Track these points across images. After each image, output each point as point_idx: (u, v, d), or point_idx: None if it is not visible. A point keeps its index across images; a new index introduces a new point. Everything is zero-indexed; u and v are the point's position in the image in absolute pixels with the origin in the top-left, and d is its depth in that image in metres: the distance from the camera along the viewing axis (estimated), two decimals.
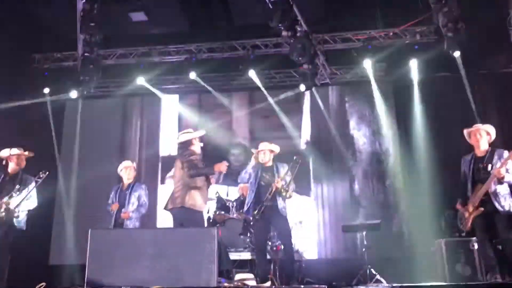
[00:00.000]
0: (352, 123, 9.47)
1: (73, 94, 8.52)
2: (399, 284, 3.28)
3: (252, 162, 6.24)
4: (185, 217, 5.30)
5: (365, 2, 8.09)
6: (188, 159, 5.56)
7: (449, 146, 8.14)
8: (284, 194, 6.01)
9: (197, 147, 5.78)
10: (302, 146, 9.50)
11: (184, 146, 5.76)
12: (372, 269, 6.91)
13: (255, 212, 5.93)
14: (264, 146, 6.28)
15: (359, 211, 8.80)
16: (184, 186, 5.44)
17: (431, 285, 3.38)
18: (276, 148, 6.27)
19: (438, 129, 8.28)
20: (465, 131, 5.49)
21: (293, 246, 6.23)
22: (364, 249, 7.12)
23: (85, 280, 3.41)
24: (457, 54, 7.19)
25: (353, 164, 9.18)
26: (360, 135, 9.36)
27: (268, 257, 6.55)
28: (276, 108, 9.41)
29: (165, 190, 9.58)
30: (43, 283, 3.14)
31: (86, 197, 9.01)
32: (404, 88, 8.81)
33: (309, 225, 8.80)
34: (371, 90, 8.92)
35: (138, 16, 7.97)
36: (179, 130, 9.99)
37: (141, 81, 9.06)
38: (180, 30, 8.60)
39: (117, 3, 7.68)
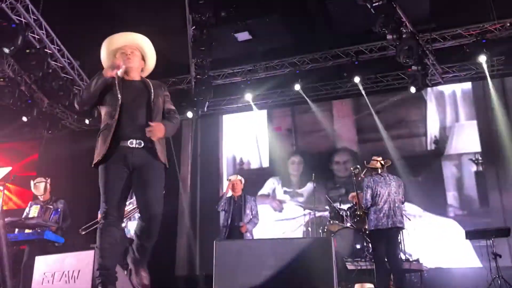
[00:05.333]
0: None
1: (189, 114, 9.15)
2: None
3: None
4: None
5: None
6: None
7: None
8: None
9: None
10: (430, 146, 8.71)
11: None
12: (504, 279, 6.40)
13: None
14: None
15: None
16: None
17: None
18: None
19: None
20: None
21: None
22: (492, 258, 6.62)
23: None
24: None
25: None
26: None
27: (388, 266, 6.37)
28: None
29: None
30: None
31: (201, 210, 9.55)
32: None
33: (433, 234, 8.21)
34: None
35: (243, 36, 8.31)
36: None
37: (248, 97, 9.43)
38: (283, 44, 8.80)
39: (222, 25, 8.10)
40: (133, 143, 3.22)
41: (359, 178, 6.66)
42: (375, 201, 5.83)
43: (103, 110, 3.35)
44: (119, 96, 3.27)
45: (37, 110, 9.24)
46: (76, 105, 3.33)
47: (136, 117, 3.27)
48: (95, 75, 3.30)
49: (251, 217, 6.86)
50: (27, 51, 7.85)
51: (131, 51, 3.43)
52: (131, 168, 3.24)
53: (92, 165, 3.29)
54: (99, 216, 6.08)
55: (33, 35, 7.82)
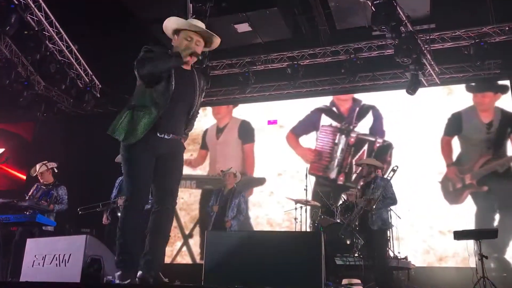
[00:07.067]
0: None
1: None
2: None
3: None
4: None
5: None
6: None
7: None
8: None
9: None
10: None
11: None
12: (490, 281, 6.47)
13: None
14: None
15: None
16: None
17: None
18: None
19: None
20: None
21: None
22: (478, 258, 6.69)
23: (202, 279, 3.67)
24: None
25: None
26: None
27: None
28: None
29: None
30: None
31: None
32: None
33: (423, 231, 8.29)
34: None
35: (243, 27, 8.30)
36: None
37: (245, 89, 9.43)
38: (282, 38, 8.79)
39: (222, 16, 8.08)
40: (163, 134, 3.30)
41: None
42: None
43: (149, 86, 3.27)
44: (172, 87, 3.25)
45: (33, 92, 9.21)
46: (139, 72, 3.25)
47: (177, 111, 3.33)
48: (172, 53, 3.30)
49: (236, 213, 6.81)
50: (25, 32, 7.81)
51: (198, 40, 3.44)
52: (156, 157, 3.32)
53: (110, 134, 3.26)
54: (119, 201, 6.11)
55: (32, 16, 7.77)
